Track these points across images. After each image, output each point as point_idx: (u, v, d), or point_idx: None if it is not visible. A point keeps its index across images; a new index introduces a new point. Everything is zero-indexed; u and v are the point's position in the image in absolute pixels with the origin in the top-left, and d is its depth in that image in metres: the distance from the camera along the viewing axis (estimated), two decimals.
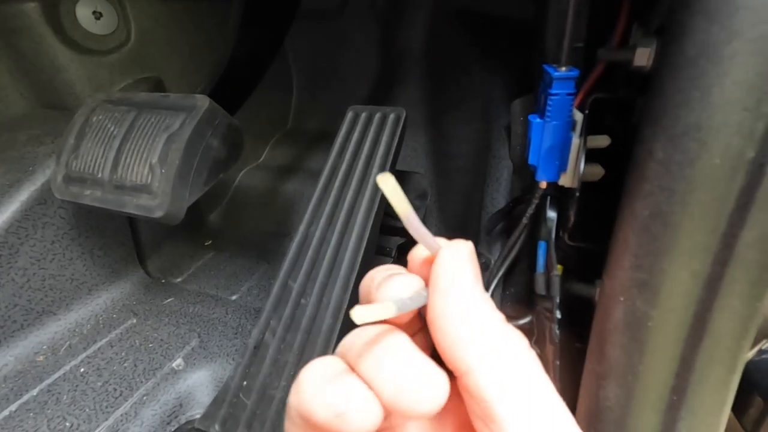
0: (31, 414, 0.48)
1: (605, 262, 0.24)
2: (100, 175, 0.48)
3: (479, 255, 0.51)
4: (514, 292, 0.44)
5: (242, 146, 0.53)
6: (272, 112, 0.91)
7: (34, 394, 0.51)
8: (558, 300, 0.35)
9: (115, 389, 0.51)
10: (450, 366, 0.17)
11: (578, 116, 0.33)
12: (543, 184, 0.36)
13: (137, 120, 0.49)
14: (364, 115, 0.53)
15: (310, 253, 0.47)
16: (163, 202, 0.45)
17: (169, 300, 0.65)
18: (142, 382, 0.52)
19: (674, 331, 0.22)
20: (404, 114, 0.51)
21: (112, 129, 0.50)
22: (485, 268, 0.49)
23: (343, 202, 0.48)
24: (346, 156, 0.51)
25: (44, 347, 0.57)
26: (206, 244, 0.80)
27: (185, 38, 0.76)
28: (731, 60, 0.16)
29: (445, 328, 0.16)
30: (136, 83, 0.70)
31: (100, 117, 0.51)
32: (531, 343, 0.40)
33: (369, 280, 0.19)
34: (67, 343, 0.57)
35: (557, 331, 0.34)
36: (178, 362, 0.54)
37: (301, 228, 0.48)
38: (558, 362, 0.34)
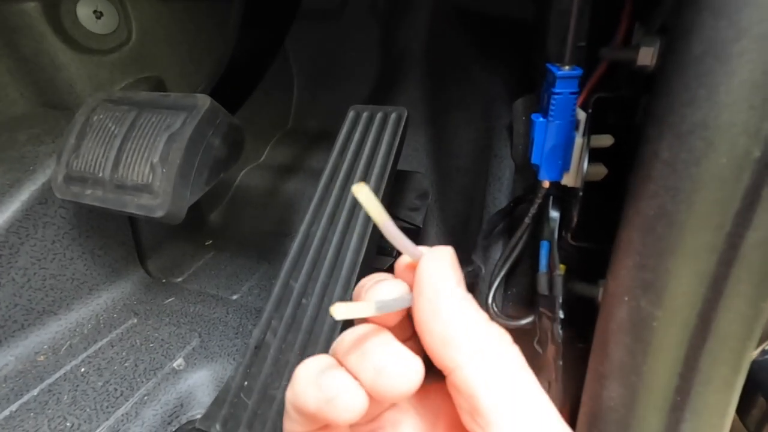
0: (32, 414, 0.48)
1: (609, 262, 0.24)
2: (101, 175, 0.48)
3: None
4: (517, 292, 0.44)
5: (243, 146, 0.53)
6: (273, 112, 0.91)
7: (35, 393, 0.51)
8: (561, 300, 0.35)
9: (116, 389, 0.51)
10: (438, 364, 0.18)
11: (581, 115, 0.33)
12: (546, 184, 0.35)
13: (138, 119, 0.49)
14: (365, 114, 0.53)
15: (311, 252, 0.46)
16: (164, 201, 0.45)
17: (169, 300, 0.65)
18: (142, 381, 0.52)
19: (679, 331, 0.22)
20: (406, 113, 0.51)
21: (112, 128, 0.49)
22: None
23: (344, 202, 0.48)
24: (347, 155, 0.51)
25: (45, 347, 0.57)
26: (207, 243, 0.80)
27: (186, 38, 0.76)
28: (739, 58, 0.16)
29: (431, 329, 0.18)
30: (136, 82, 0.70)
31: (101, 116, 0.51)
32: (534, 343, 0.40)
33: (359, 288, 0.21)
34: (68, 342, 0.57)
35: (560, 331, 0.34)
36: (178, 362, 0.54)
37: (302, 228, 0.48)
38: (560, 362, 0.34)
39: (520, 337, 0.24)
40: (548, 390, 0.36)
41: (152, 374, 0.52)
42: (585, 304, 0.32)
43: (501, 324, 0.22)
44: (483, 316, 0.18)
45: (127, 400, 0.50)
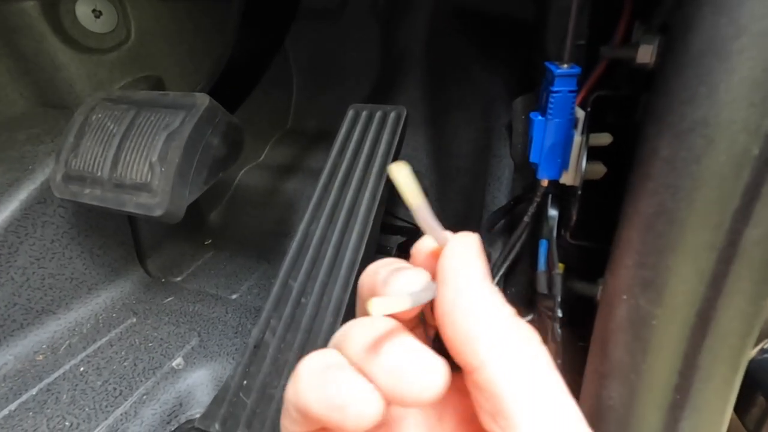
0: (31, 413, 0.48)
1: (608, 260, 0.24)
2: (99, 174, 0.48)
3: None
4: (516, 291, 0.44)
5: (242, 145, 0.53)
6: (272, 111, 0.91)
7: (34, 393, 0.50)
8: (559, 299, 0.35)
9: (115, 388, 0.51)
10: (460, 360, 0.16)
11: (580, 114, 0.33)
12: (545, 182, 0.35)
13: (137, 118, 0.49)
14: (364, 113, 0.53)
15: (310, 252, 0.46)
16: (163, 200, 0.45)
17: (168, 299, 0.65)
18: (141, 381, 0.52)
19: (678, 329, 0.22)
20: (405, 112, 0.51)
21: (111, 127, 0.49)
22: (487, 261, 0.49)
23: (343, 201, 0.48)
24: (346, 155, 0.51)
25: (44, 346, 0.56)
26: (206, 243, 0.80)
27: (185, 37, 0.75)
28: (739, 55, 0.16)
29: (457, 322, 0.16)
30: (135, 82, 0.70)
31: (100, 115, 0.51)
32: None
33: (372, 275, 0.18)
34: (67, 342, 0.57)
35: (559, 330, 0.34)
36: (178, 361, 0.54)
37: (302, 227, 0.48)
38: (560, 361, 0.34)
39: None
40: None
41: (151, 373, 0.52)
42: (584, 302, 0.32)
43: None
44: (511, 311, 0.17)
45: (126, 400, 0.49)
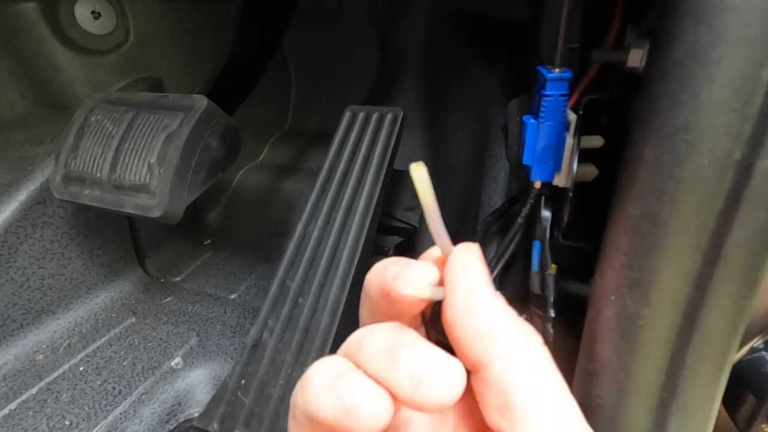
0: (31, 412, 0.49)
1: (597, 261, 0.25)
2: (98, 175, 0.49)
3: None
4: (510, 291, 0.44)
5: (240, 146, 0.54)
6: (271, 112, 0.92)
7: (34, 392, 0.51)
8: (552, 299, 0.35)
9: (114, 388, 0.51)
10: (469, 359, 0.17)
11: (572, 117, 0.33)
12: (537, 184, 0.36)
13: (136, 120, 0.49)
14: (361, 115, 0.54)
15: (308, 252, 0.47)
16: (162, 201, 0.46)
17: (167, 299, 0.65)
18: (141, 380, 0.52)
19: (664, 329, 0.22)
20: (401, 114, 0.52)
21: (110, 129, 0.50)
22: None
23: (340, 202, 0.49)
24: (343, 155, 0.51)
25: (43, 346, 0.57)
26: (205, 243, 0.80)
27: (184, 38, 0.76)
28: (718, 63, 0.17)
29: (466, 323, 0.17)
30: (134, 83, 0.70)
31: (99, 117, 0.52)
32: None
33: (380, 271, 0.19)
34: (67, 342, 0.58)
35: (551, 330, 0.35)
36: (176, 361, 0.55)
37: (299, 227, 0.49)
38: (552, 360, 0.35)
39: None
40: None
41: (150, 373, 0.53)
42: (576, 302, 0.32)
43: None
44: (514, 313, 0.18)
45: (126, 399, 0.50)
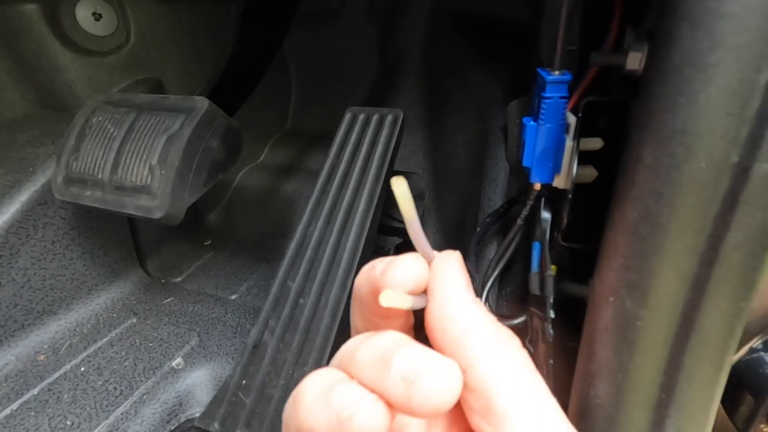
0: (32, 413, 0.49)
1: (596, 262, 0.25)
2: (100, 176, 0.49)
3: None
4: (510, 292, 0.45)
5: (241, 147, 0.54)
6: (271, 113, 0.92)
7: (35, 392, 0.51)
8: (552, 300, 0.35)
9: (116, 388, 0.51)
10: None
11: (572, 119, 0.33)
12: (537, 186, 0.36)
13: (137, 121, 0.50)
14: (362, 116, 0.54)
15: (308, 253, 0.47)
16: (163, 202, 0.46)
17: (168, 299, 0.66)
18: (142, 381, 0.52)
19: (663, 330, 0.22)
20: (402, 115, 0.52)
21: (112, 130, 0.50)
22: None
23: (341, 203, 0.49)
24: (344, 156, 0.51)
25: (45, 346, 0.57)
26: (205, 243, 0.80)
27: (185, 39, 0.76)
28: (716, 67, 0.17)
29: (446, 329, 0.17)
30: (135, 84, 0.70)
31: (100, 118, 0.52)
32: (525, 342, 0.40)
33: (369, 271, 0.19)
34: (68, 342, 0.58)
35: (551, 331, 0.35)
36: (177, 361, 0.55)
37: (300, 228, 0.49)
38: (551, 361, 0.35)
39: None
40: None
41: (151, 373, 0.53)
42: (576, 303, 0.33)
43: None
44: (493, 318, 0.18)
45: (127, 399, 0.50)
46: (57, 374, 0.53)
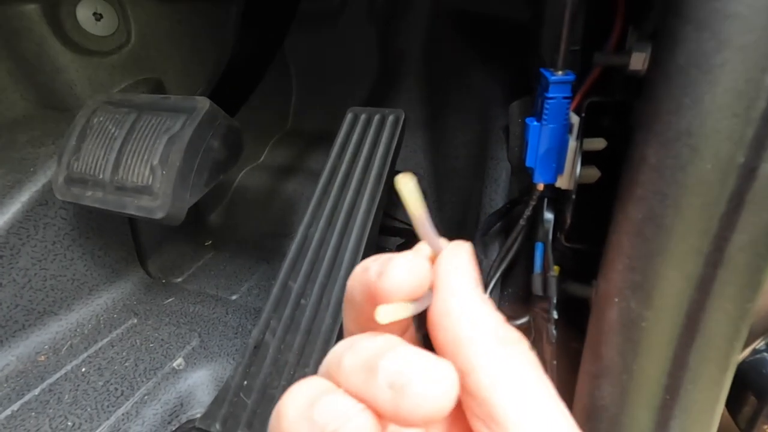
0: (33, 413, 0.49)
1: (600, 263, 0.25)
2: (101, 177, 0.49)
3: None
4: (512, 293, 0.45)
5: (242, 147, 0.54)
6: (272, 113, 0.92)
7: (36, 393, 0.51)
8: (555, 300, 0.35)
9: (117, 389, 0.51)
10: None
11: (575, 119, 0.33)
12: (540, 186, 0.36)
13: (138, 122, 0.50)
14: (363, 116, 0.54)
15: (309, 253, 0.47)
16: (164, 203, 0.46)
17: (169, 300, 0.65)
18: (143, 381, 0.52)
19: (667, 331, 0.22)
20: (403, 115, 0.52)
21: (113, 130, 0.50)
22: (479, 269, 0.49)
23: (342, 203, 0.49)
24: (345, 157, 0.51)
25: (46, 347, 0.57)
26: (206, 244, 0.80)
27: (185, 39, 0.76)
28: (721, 68, 0.17)
29: (449, 327, 0.16)
30: (136, 84, 0.70)
31: (101, 118, 0.52)
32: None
33: (362, 272, 0.17)
34: (69, 342, 0.58)
35: (554, 332, 0.35)
36: (178, 362, 0.55)
37: (301, 228, 0.49)
38: (555, 362, 0.35)
39: None
40: None
41: (152, 374, 0.53)
42: (579, 304, 0.32)
43: None
44: (500, 318, 0.16)
45: (128, 400, 0.50)
46: (58, 375, 0.53)
